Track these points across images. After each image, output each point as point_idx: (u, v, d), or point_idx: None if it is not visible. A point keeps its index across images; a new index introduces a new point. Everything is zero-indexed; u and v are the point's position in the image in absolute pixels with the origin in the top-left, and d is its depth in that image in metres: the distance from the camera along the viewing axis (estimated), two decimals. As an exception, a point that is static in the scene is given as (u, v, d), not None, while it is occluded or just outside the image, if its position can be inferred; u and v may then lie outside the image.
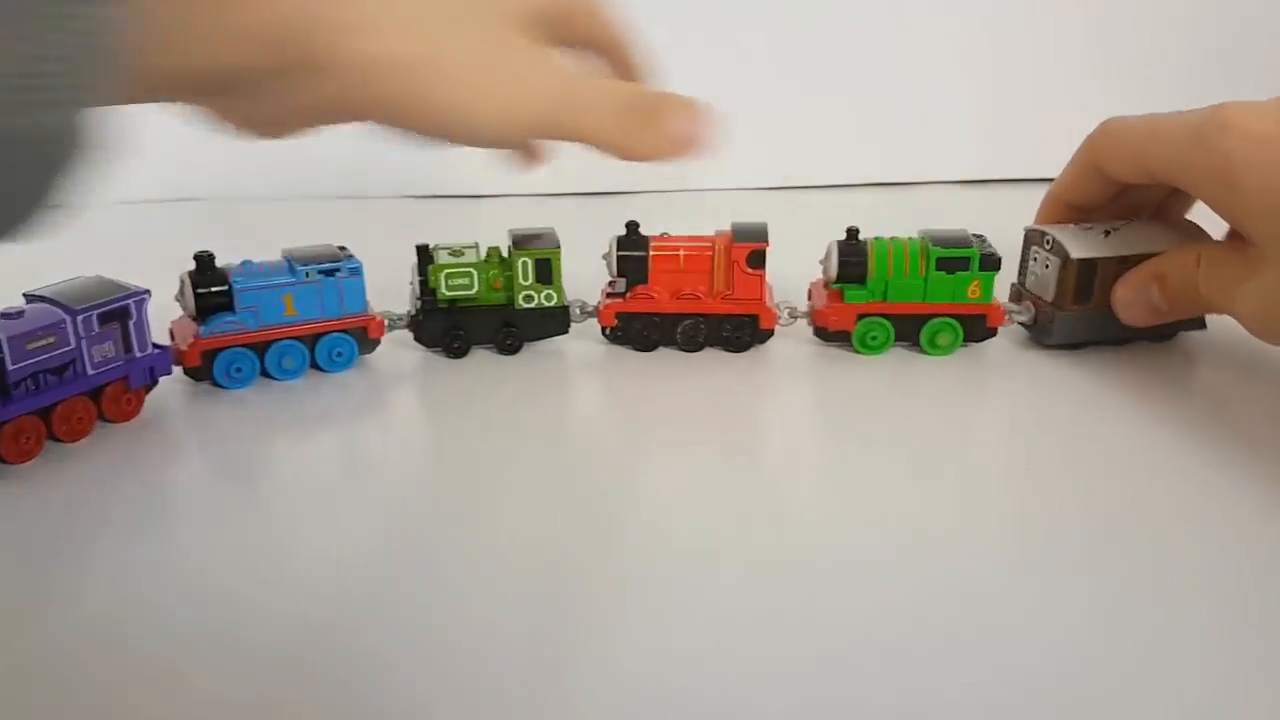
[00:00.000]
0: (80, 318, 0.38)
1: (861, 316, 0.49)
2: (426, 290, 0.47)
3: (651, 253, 0.49)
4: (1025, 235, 0.51)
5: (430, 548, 0.35)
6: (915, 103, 0.77)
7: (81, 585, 0.32)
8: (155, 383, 0.42)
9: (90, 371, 0.38)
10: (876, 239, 0.50)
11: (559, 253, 0.47)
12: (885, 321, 0.49)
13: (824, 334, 0.50)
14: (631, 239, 0.49)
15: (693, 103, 0.39)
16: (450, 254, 0.47)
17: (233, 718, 0.27)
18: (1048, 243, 0.49)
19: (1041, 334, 0.50)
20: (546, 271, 0.47)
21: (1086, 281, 0.48)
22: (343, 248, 0.47)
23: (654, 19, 0.73)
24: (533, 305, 0.48)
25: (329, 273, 0.45)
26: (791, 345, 0.51)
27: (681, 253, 0.49)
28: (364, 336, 0.46)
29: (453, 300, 0.47)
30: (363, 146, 0.74)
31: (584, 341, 0.50)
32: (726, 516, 0.36)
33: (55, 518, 0.35)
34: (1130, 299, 0.47)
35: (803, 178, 0.77)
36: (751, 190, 0.76)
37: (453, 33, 0.32)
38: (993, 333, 0.50)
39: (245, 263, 0.45)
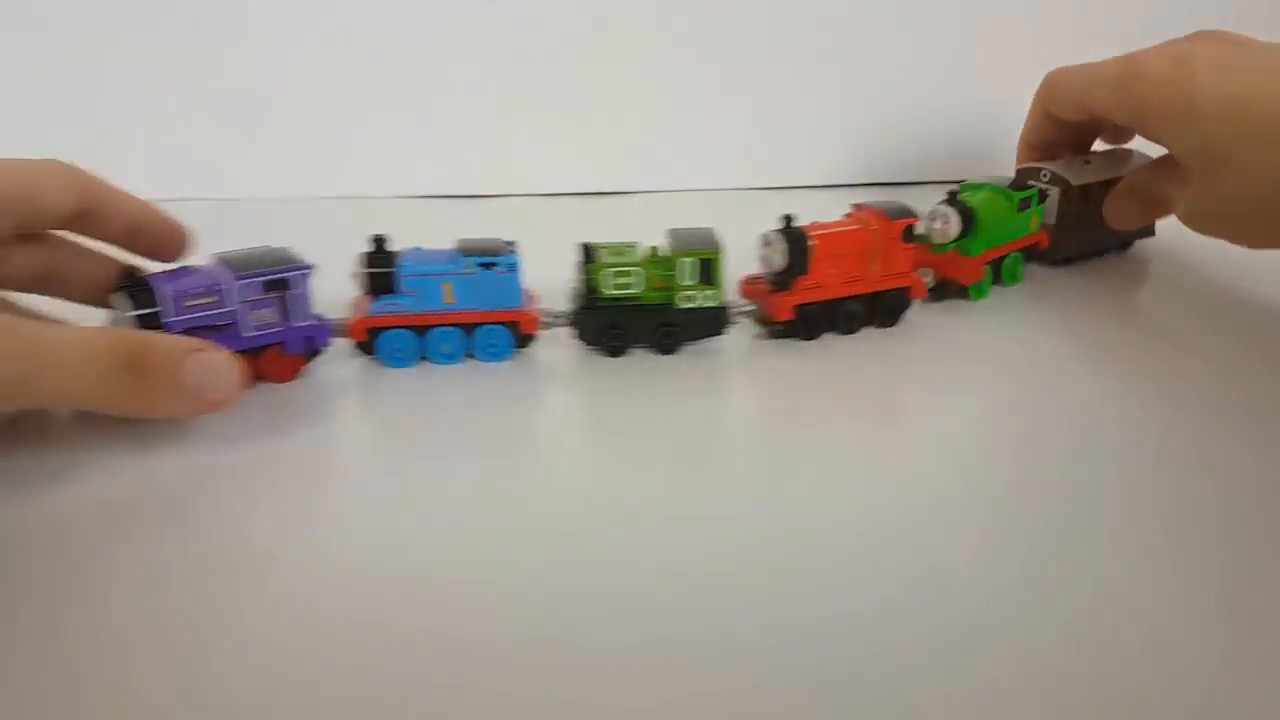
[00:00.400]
0: (241, 283, 0.40)
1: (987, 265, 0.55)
2: (589, 288, 0.47)
3: (813, 242, 0.48)
4: (1018, 173, 0.59)
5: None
6: (915, 102, 0.77)
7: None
8: (316, 351, 0.44)
9: (246, 334, 0.41)
10: (965, 193, 0.54)
11: (721, 253, 0.47)
12: (988, 266, 0.55)
13: (945, 290, 0.54)
14: (792, 231, 0.48)
15: (205, 350, 0.35)
16: (611, 253, 0.47)
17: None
18: (1044, 175, 0.58)
19: (1052, 253, 0.58)
20: (709, 272, 0.47)
21: (1083, 202, 0.57)
22: (510, 243, 0.47)
23: (654, 19, 0.74)
24: (693, 305, 0.48)
25: (487, 265, 0.45)
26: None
27: (841, 238, 0.49)
28: (518, 330, 0.47)
29: (615, 299, 0.47)
30: (364, 147, 0.74)
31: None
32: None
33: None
34: (1119, 210, 0.57)
35: (802, 178, 0.77)
36: (751, 190, 0.76)
37: None
38: (1043, 253, 0.58)
39: (416, 249, 0.46)
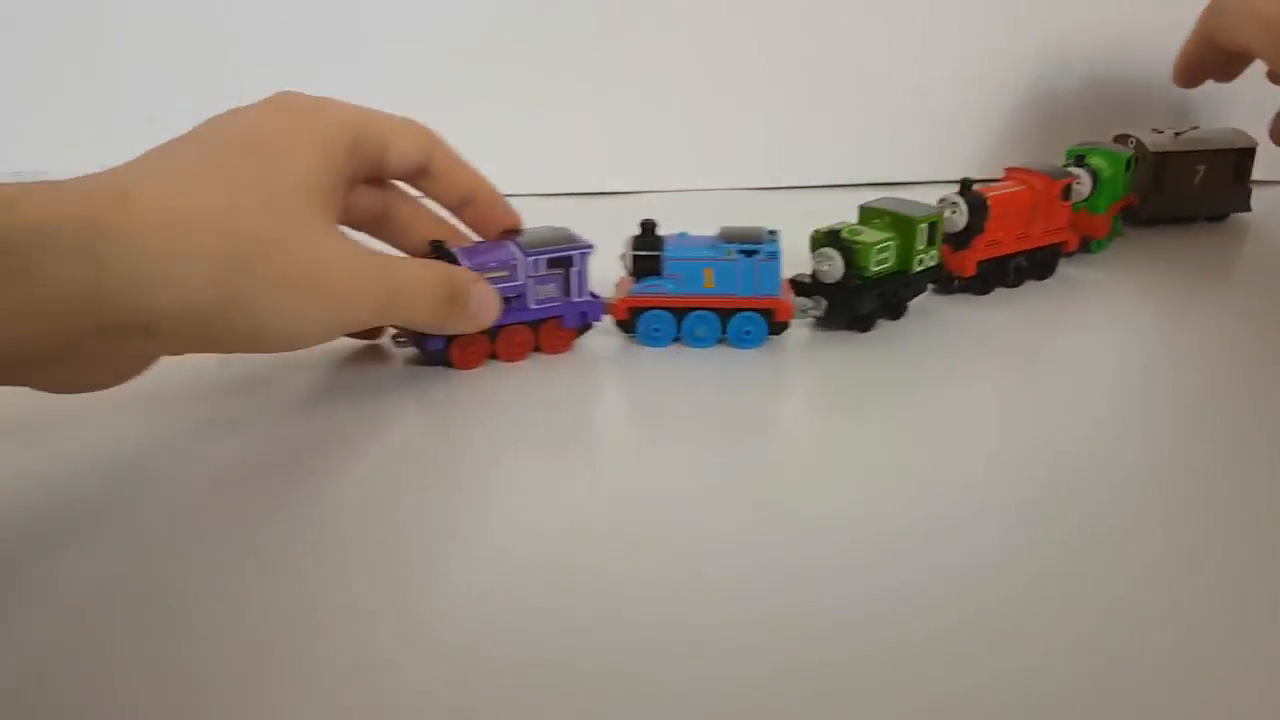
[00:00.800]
0: (530, 259, 0.44)
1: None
2: (854, 269, 0.48)
3: (990, 203, 0.52)
4: (1114, 139, 0.64)
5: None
6: (916, 102, 0.77)
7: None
8: (588, 326, 0.47)
9: (532, 305, 0.45)
10: (1088, 157, 0.58)
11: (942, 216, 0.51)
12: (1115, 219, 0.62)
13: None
14: (972, 194, 0.52)
15: (480, 282, 0.43)
16: (852, 233, 0.48)
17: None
18: (1131, 143, 0.63)
19: (1126, 214, 0.63)
20: (934, 234, 0.51)
21: (1160, 172, 0.62)
22: (772, 232, 0.48)
23: (655, 19, 0.74)
24: (923, 268, 0.51)
25: (748, 253, 0.47)
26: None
27: (1012, 199, 0.54)
28: (773, 318, 0.48)
29: (876, 275, 0.49)
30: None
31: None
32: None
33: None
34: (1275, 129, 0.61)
35: (803, 178, 0.77)
36: (752, 190, 0.76)
37: (251, 248, 0.32)
38: (1132, 213, 0.64)
39: (681, 234, 0.48)
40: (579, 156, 0.75)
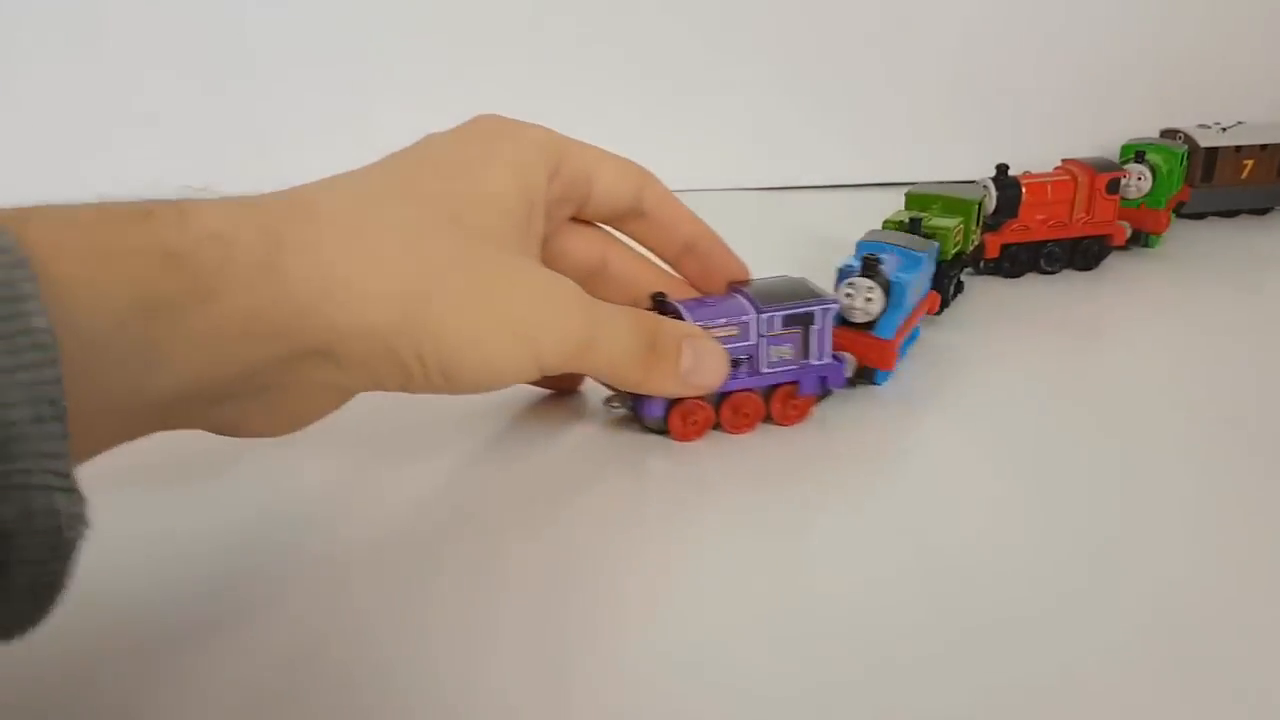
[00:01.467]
0: (764, 316, 0.38)
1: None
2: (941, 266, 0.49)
3: (1024, 189, 0.54)
4: (1160, 133, 0.66)
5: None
6: (915, 102, 0.77)
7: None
8: (827, 393, 0.40)
9: (764, 369, 0.38)
10: (1149, 152, 0.59)
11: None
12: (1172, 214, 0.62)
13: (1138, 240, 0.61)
14: (1006, 180, 0.54)
15: (701, 338, 0.36)
16: (937, 224, 0.49)
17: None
18: (1180, 137, 0.64)
19: (1177, 207, 0.63)
20: (980, 216, 0.53)
21: (1210, 166, 0.64)
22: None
23: (655, 20, 0.74)
24: (972, 249, 0.53)
25: (931, 256, 0.46)
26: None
27: (1049, 187, 0.55)
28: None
29: (954, 257, 0.50)
30: (364, 147, 0.75)
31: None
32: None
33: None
34: None
35: (802, 178, 0.77)
36: (751, 190, 0.76)
37: (440, 266, 0.29)
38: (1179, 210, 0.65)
39: (869, 245, 0.45)
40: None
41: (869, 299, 0.41)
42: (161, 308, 0.23)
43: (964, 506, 0.34)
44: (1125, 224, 0.58)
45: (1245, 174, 0.66)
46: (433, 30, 0.71)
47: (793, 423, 0.39)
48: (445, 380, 0.29)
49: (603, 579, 0.30)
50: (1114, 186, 0.56)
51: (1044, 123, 0.75)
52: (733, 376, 0.37)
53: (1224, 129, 0.65)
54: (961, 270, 0.52)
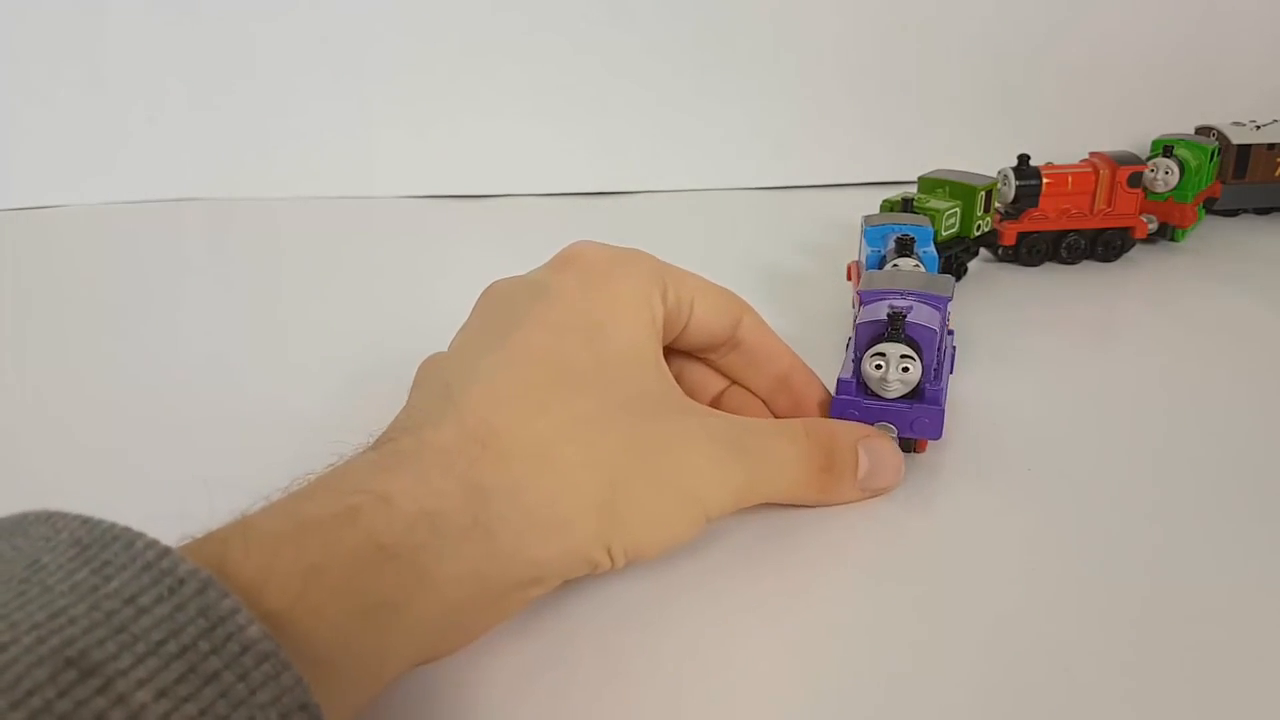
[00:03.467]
0: (948, 304, 0.36)
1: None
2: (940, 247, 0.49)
3: (1044, 180, 0.54)
4: (1195, 130, 0.65)
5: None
6: (915, 102, 0.77)
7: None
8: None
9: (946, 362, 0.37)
10: (1178, 147, 0.59)
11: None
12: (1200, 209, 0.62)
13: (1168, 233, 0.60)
14: (1026, 169, 0.54)
15: (874, 437, 0.34)
16: (919, 201, 0.50)
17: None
18: (1213, 135, 0.64)
19: (1208, 204, 0.64)
20: (990, 202, 0.53)
21: (1243, 162, 0.64)
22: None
23: (655, 19, 0.74)
24: (979, 233, 0.53)
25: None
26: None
27: (1069, 179, 0.55)
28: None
29: (947, 239, 0.51)
30: (364, 147, 0.75)
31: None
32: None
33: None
34: None
35: (802, 178, 0.77)
36: (751, 190, 0.76)
37: (623, 462, 0.29)
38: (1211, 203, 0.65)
39: (878, 229, 0.44)
40: (579, 156, 0.75)
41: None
42: (383, 608, 0.23)
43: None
44: (1151, 218, 0.59)
45: (1278, 172, 0.66)
46: (432, 34, 0.71)
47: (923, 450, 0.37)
48: (629, 561, 0.29)
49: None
50: (1135, 180, 0.56)
51: (1062, 122, 0.75)
52: (940, 378, 0.35)
53: (1259, 127, 0.65)
54: (965, 254, 0.53)
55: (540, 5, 0.72)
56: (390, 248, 0.64)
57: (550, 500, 0.27)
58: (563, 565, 0.28)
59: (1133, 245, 0.57)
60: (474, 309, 0.33)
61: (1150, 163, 0.59)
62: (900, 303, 0.35)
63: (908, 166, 0.75)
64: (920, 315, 0.34)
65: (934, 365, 0.34)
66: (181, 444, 0.40)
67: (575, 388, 0.29)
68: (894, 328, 0.33)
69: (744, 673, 0.28)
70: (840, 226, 0.54)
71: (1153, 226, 0.59)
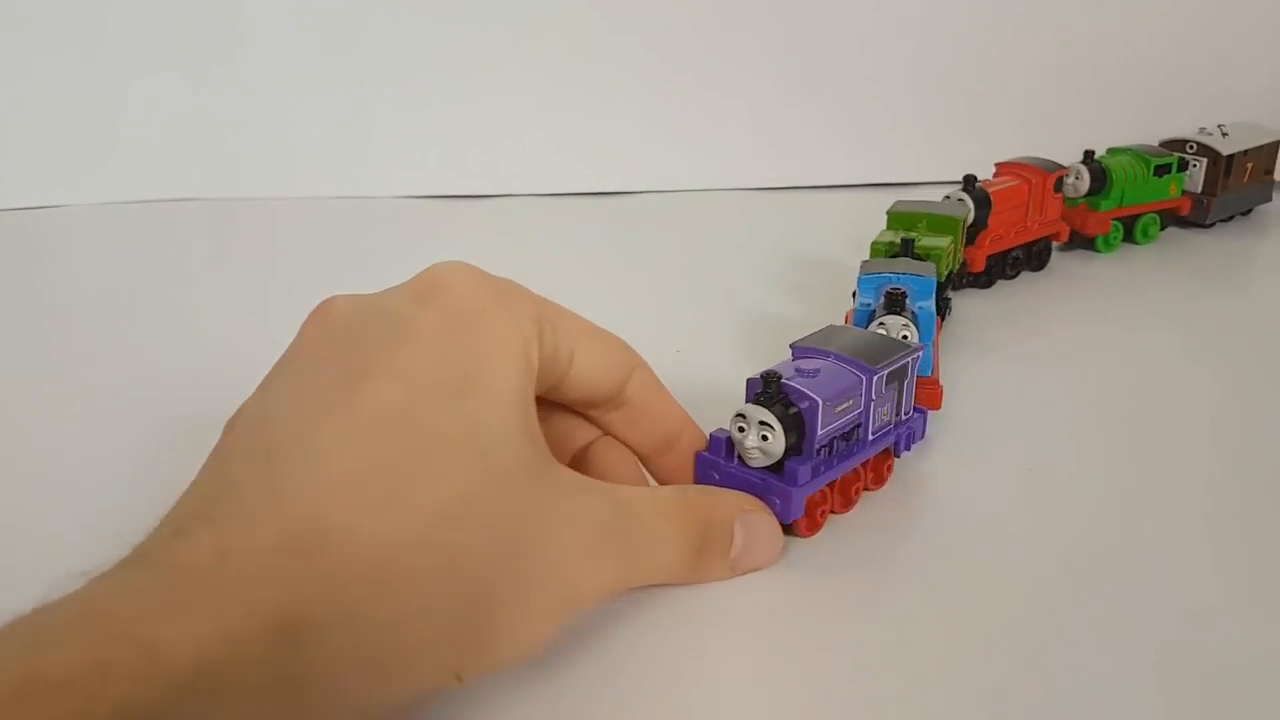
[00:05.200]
0: (875, 377, 0.33)
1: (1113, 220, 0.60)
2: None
3: (993, 201, 0.53)
4: (1161, 144, 0.64)
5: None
6: (915, 102, 0.77)
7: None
8: (908, 448, 0.36)
9: (871, 436, 0.33)
10: (1102, 156, 0.59)
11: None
12: (1118, 222, 0.60)
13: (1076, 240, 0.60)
14: (976, 191, 0.52)
15: (755, 511, 0.31)
16: (931, 245, 0.46)
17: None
18: (1191, 147, 0.63)
19: (1199, 217, 0.64)
20: (972, 234, 0.52)
21: (1227, 171, 0.63)
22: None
23: (655, 20, 0.74)
24: (959, 265, 0.51)
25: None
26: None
27: (1012, 193, 0.54)
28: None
29: (945, 277, 0.48)
30: (364, 147, 0.75)
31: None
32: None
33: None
34: None
35: (802, 178, 0.77)
36: (751, 191, 0.76)
37: (484, 566, 0.24)
38: (1188, 217, 0.64)
39: (872, 279, 0.41)
40: (579, 156, 0.75)
41: (905, 337, 0.37)
42: None
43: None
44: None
45: (1246, 177, 0.66)
46: (431, 30, 0.71)
47: (883, 485, 0.36)
48: (478, 679, 0.25)
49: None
50: (1059, 186, 0.56)
51: (1045, 122, 0.75)
52: (847, 452, 0.33)
53: (1224, 134, 0.65)
54: (949, 289, 0.51)
55: (541, 5, 0.72)
56: (390, 248, 0.64)
57: (390, 631, 0.21)
58: (391, 704, 0.22)
59: (1051, 252, 0.57)
60: (302, 335, 0.27)
61: (1072, 168, 0.58)
62: (805, 364, 0.32)
63: (908, 167, 0.76)
64: (819, 382, 0.31)
65: (814, 440, 0.31)
66: (182, 444, 0.40)
67: (438, 467, 0.23)
68: (765, 390, 0.30)
69: (743, 674, 0.27)
70: (841, 227, 0.54)
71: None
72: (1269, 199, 0.69)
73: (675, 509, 0.29)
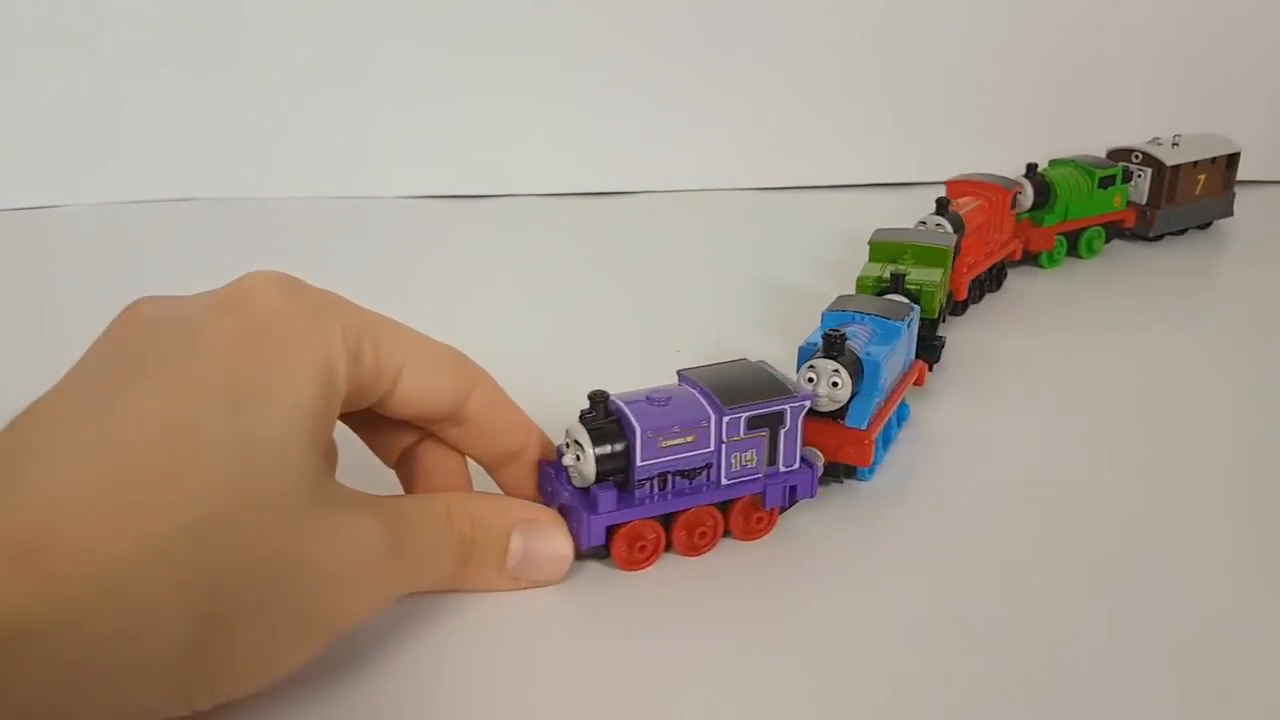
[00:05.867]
0: (727, 419, 0.31)
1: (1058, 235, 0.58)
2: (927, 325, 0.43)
3: (965, 223, 0.49)
4: (1109, 153, 0.62)
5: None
6: (915, 102, 0.77)
7: None
8: (794, 502, 0.34)
9: (725, 481, 0.32)
10: (1047, 169, 0.57)
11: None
12: (1062, 237, 0.58)
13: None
14: (951, 215, 0.49)
15: (541, 524, 0.30)
16: (912, 280, 0.42)
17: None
18: (1136, 157, 0.61)
19: (1143, 230, 0.62)
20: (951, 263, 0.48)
21: (1173, 183, 0.61)
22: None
23: (655, 20, 0.74)
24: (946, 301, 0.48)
25: (909, 324, 0.39)
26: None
27: (978, 213, 0.51)
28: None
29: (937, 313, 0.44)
30: (364, 147, 0.75)
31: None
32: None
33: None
34: None
35: (802, 178, 0.77)
36: (751, 191, 0.76)
37: (229, 591, 0.23)
38: (1134, 229, 0.62)
39: (837, 316, 0.38)
40: (579, 156, 0.75)
41: (835, 384, 0.34)
42: None
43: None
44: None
45: (1199, 189, 0.63)
46: (431, 30, 0.71)
47: (757, 538, 0.33)
48: (218, 705, 0.24)
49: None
50: (1015, 202, 0.55)
51: (1047, 121, 0.75)
52: (688, 491, 0.31)
53: (1174, 144, 0.62)
54: (942, 321, 0.47)
55: (540, 5, 0.72)
56: (390, 248, 0.64)
57: (113, 646, 0.21)
58: None
59: (1007, 271, 0.55)
60: (103, 335, 0.26)
61: (1020, 182, 0.56)
62: (665, 392, 0.31)
63: (908, 167, 0.76)
64: (656, 412, 0.30)
65: (633, 470, 0.30)
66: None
67: (196, 481, 0.22)
68: (591, 409, 0.30)
69: (741, 676, 0.27)
70: (841, 227, 0.54)
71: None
72: (1229, 213, 0.66)
73: (443, 519, 0.29)
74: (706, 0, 0.73)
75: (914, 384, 0.40)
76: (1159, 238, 0.63)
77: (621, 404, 0.30)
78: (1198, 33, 0.76)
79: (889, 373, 0.36)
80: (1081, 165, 0.59)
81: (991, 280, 0.54)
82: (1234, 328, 0.52)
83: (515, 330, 0.49)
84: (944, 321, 0.47)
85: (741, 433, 0.31)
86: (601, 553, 0.31)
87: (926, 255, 0.45)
